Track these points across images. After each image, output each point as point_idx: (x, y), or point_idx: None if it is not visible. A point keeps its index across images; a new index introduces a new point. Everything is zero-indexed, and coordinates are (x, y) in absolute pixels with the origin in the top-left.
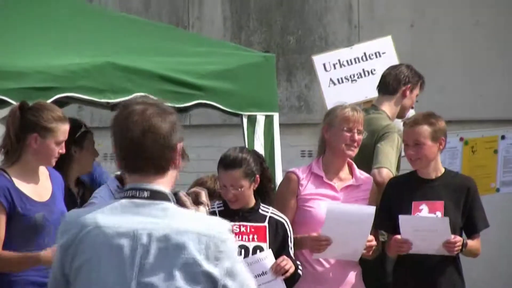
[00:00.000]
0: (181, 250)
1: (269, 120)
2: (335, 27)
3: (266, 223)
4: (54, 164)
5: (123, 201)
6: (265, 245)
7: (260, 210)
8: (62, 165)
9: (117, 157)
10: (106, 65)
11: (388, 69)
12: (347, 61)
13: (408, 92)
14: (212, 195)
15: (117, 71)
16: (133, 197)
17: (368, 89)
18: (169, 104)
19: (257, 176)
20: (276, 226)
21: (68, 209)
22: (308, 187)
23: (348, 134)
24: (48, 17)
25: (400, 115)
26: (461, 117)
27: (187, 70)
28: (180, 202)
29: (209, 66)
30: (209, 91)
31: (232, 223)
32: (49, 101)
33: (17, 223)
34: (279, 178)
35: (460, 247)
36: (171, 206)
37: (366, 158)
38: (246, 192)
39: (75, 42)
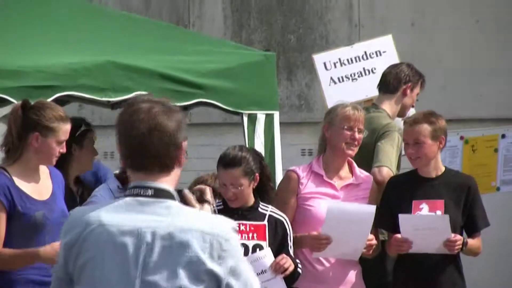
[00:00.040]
0: (185, 248)
1: (269, 119)
2: (335, 26)
3: (265, 222)
4: (54, 163)
5: (127, 199)
6: (264, 244)
7: (259, 209)
8: (62, 164)
9: (122, 155)
10: (107, 64)
11: (388, 68)
12: (347, 60)
13: (408, 91)
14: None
15: (117, 69)
16: (137, 195)
17: (368, 88)
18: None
19: (257, 174)
20: (276, 225)
21: (68, 208)
22: (308, 186)
23: (349, 133)
24: (49, 17)
25: (401, 114)
26: (462, 115)
27: (187, 69)
28: (185, 200)
29: (209, 65)
30: (210, 90)
31: None
32: (49, 99)
33: (17, 222)
34: (279, 176)
35: (461, 246)
36: (175, 204)
37: (367, 157)
38: (246, 191)
39: (76, 41)
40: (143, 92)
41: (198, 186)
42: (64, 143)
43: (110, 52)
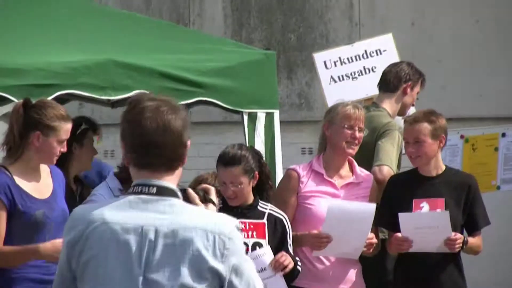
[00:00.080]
0: (188, 246)
1: (269, 118)
2: (336, 24)
3: (265, 220)
4: (55, 162)
5: (130, 197)
6: (264, 242)
7: (258, 207)
8: (62, 163)
9: (127, 153)
10: (107, 62)
11: (388, 66)
12: (347, 59)
13: (408, 90)
14: None
15: (118, 68)
16: (140, 193)
17: (368, 87)
18: None
19: (256, 172)
20: (275, 223)
21: (68, 207)
22: (308, 185)
23: (349, 132)
24: (49, 16)
25: (401, 112)
26: (462, 114)
27: (187, 68)
28: (189, 199)
29: (209, 64)
30: (210, 89)
31: None
32: (50, 98)
33: (18, 221)
34: (279, 175)
35: (461, 245)
36: (178, 202)
37: (367, 156)
38: (246, 189)
39: (76, 40)
40: (143, 91)
41: (203, 185)
42: (65, 142)
43: (110, 51)
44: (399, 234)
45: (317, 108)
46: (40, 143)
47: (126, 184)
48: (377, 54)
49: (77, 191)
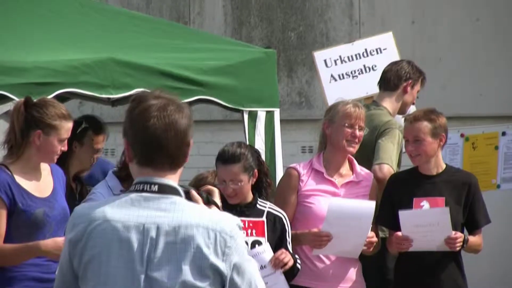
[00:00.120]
0: (189, 244)
1: (270, 116)
2: (336, 23)
3: (264, 218)
4: (55, 161)
5: (132, 195)
6: (263, 240)
7: (257, 205)
8: (63, 161)
9: (131, 150)
10: (107, 61)
11: (389, 65)
12: (348, 57)
13: (409, 88)
14: None
15: (118, 66)
16: (142, 190)
17: (369, 85)
18: None
19: (255, 170)
20: (274, 221)
21: (68, 205)
22: (308, 183)
23: (349, 130)
24: (49, 14)
25: (401, 111)
26: (462, 113)
27: (188, 66)
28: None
29: (210, 62)
30: (210, 87)
31: None
32: (50, 96)
33: (18, 219)
34: (279, 174)
35: (462, 243)
36: (180, 200)
37: (367, 154)
38: (245, 187)
39: (76, 38)
40: (144, 89)
41: (207, 187)
42: (66, 141)
43: (110, 49)
44: (399, 233)
45: (317, 106)
46: (41, 141)
47: (125, 182)
48: (377, 53)
49: (76, 189)
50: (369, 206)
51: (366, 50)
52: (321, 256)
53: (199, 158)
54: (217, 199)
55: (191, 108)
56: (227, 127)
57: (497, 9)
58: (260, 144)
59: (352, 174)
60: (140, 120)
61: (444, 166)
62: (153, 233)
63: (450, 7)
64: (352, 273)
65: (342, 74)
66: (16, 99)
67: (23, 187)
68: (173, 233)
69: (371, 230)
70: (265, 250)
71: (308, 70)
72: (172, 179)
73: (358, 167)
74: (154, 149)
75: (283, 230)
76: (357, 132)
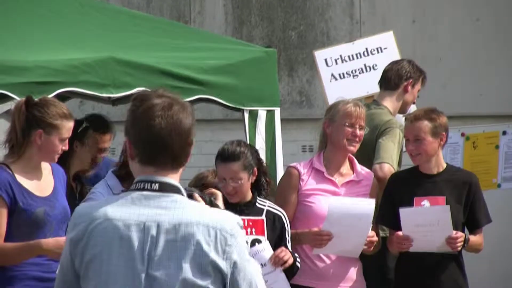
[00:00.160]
0: (189, 241)
1: (270, 115)
2: (336, 22)
3: (263, 217)
4: (56, 160)
5: (133, 193)
6: (263, 238)
7: (257, 204)
8: (64, 160)
9: (133, 149)
10: (108, 60)
11: (389, 64)
12: (348, 57)
13: (409, 88)
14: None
15: (118, 65)
16: (143, 189)
17: (369, 85)
18: None
19: (255, 168)
20: (274, 220)
21: (68, 204)
22: (309, 183)
23: (350, 130)
24: (49, 13)
25: (402, 110)
26: (463, 112)
27: (188, 65)
28: None
29: (210, 61)
30: (211, 86)
31: None
32: (50, 95)
33: (18, 218)
34: (280, 173)
35: (463, 243)
36: (181, 198)
37: (368, 153)
38: (245, 185)
39: (77, 37)
40: (144, 88)
41: (210, 190)
42: (67, 141)
43: (111, 48)
44: (400, 233)
45: (317, 105)
46: (42, 141)
47: (124, 181)
48: (378, 52)
49: (76, 189)
50: (369, 204)
51: (366, 49)
52: (322, 255)
53: (200, 157)
54: (220, 202)
55: (193, 107)
56: (228, 126)
57: (498, 9)
58: (260, 143)
59: (353, 173)
60: (144, 119)
61: (444, 165)
62: (153, 231)
63: (450, 6)
64: (353, 272)
65: (343, 73)
66: (17, 98)
67: (24, 186)
68: (173, 231)
69: (372, 230)
70: (265, 248)
71: (308, 69)
72: (173, 178)
73: (359, 167)
74: (157, 148)
75: (283, 229)
76: (358, 132)
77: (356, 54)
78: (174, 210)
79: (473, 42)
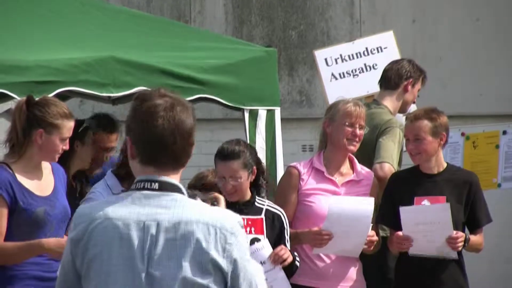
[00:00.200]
0: (189, 240)
1: (270, 115)
2: (337, 22)
3: (262, 216)
4: (57, 160)
5: (133, 193)
6: (262, 238)
7: (256, 203)
8: (64, 160)
9: (134, 148)
10: (108, 59)
11: (389, 64)
12: (348, 56)
13: (409, 87)
14: (212, 189)
15: (118, 65)
16: (143, 188)
17: (369, 84)
18: None
19: (254, 167)
20: (273, 219)
21: (69, 203)
22: (309, 182)
23: (350, 129)
24: (49, 13)
25: (402, 110)
26: (463, 112)
27: (188, 65)
28: None
29: (210, 61)
30: (211, 86)
31: None
32: (50, 95)
33: (19, 218)
34: (280, 172)
35: (463, 243)
36: (181, 197)
37: (368, 153)
38: (245, 184)
39: (77, 37)
40: (144, 88)
41: (214, 194)
42: (68, 140)
43: (111, 48)
44: (400, 233)
45: (318, 105)
46: (43, 140)
47: (124, 181)
48: (378, 52)
49: (76, 188)
50: (368, 204)
51: (366, 49)
52: (322, 255)
53: (199, 156)
54: (222, 206)
55: (194, 107)
56: (228, 126)
57: (498, 9)
58: (260, 143)
59: (353, 173)
60: (146, 119)
61: (445, 165)
62: (153, 230)
63: (450, 6)
64: (353, 272)
65: (343, 73)
66: (17, 97)
67: (25, 186)
68: (173, 230)
69: (372, 229)
70: (264, 246)
71: (309, 69)
72: (174, 178)
73: (359, 166)
74: (159, 149)
75: (282, 228)
76: (358, 131)
77: (356, 54)
78: (174, 208)
79: (473, 42)
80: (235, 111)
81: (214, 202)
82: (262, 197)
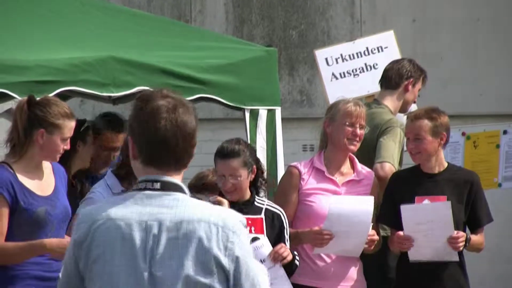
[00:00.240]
0: (191, 239)
1: (271, 114)
2: (337, 21)
3: (262, 215)
4: (58, 160)
5: (134, 193)
6: (262, 237)
7: (255, 203)
8: (65, 160)
9: (136, 149)
10: (108, 59)
11: (390, 63)
12: (349, 56)
13: (410, 87)
14: (213, 189)
15: (119, 65)
16: (144, 189)
17: (370, 84)
18: None
19: (254, 166)
20: (273, 218)
21: (70, 203)
22: (309, 182)
23: (350, 129)
24: (50, 13)
25: (403, 109)
26: (463, 111)
27: (189, 64)
28: None
29: (211, 60)
30: (211, 85)
31: None
32: (51, 95)
33: (20, 218)
34: (281, 172)
35: (464, 243)
36: (183, 196)
37: (368, 153)
38: (244, 182)
39: (77, 36)
40: (145, 88)
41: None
42: (69, 140)
43: (111, 47)
44: (401, 233)
45: (318, 105)
46: (44, 140)
47: (124, 181)
48: (378, 51)
49: (77, 188)
50: (368, 203)
51: (367, 48)
52: (322, 255)
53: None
54: None
55: (195, 107)
56: (228, 126)
57: (498, 9)
58: (261, 143)
59: (353, 172)
60: (148, 120)
61: (446, 165)
62: (155, 230)
63: (451, 6)
64: (353, 272)
65: (343, 73)
66: (17, 97)
67: (25, 186)
68: (175, 229)
69: (372, 228)
70: (264, 244)
71: (309, 69)
72: (176, 179)
73: (359, 166)
74: (161, 150)
75: (282, 227)
76: (358, 131)
77: (357, 53)
78: (176, 208)
79: (473, 42)
80: (236, 111)
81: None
82: (261, 197)
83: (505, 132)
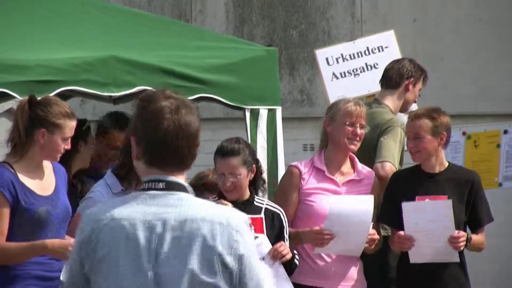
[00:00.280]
0: (195, 238)
1: (271, 114)
2: (338, 21)
3: (262, 215)
4: (58, 159)
5: (138, 193)
6: (261, 236)
7: (255, 202)
8: (66, 160)
9: (139, 149)
10: (109, 59)
11: (390, 63)
12: (349, 55)
13: (410, 86)
14: (213, 188)
15: (119, 64)
16: (149, 189)
17: (370, 83)
18: None
19: (254, 166)
20: (272, 217)
21: (70, 203)
22: (310, 182)
23: (351, 129)
24: (50, 12)
25: (403, 109)
26: (464, 111)
27: (189, 64)
28: None
29: (211, 60)
30: (212, 85)
31: None
32: (51, 94)
33: (21, 217)
34: (281, 172)
35: (465, 242)
36: (187, 196)
37: (369, 152)
38: (244, 181)
39: (78, 36)
40: (145, 87)
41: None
42: (69, 140)
43: (112, 47)
44: (402, 232)
45: (319, 104)
46: (45, 140)
47: (124, 181)
48: (379, 51)
49: (77, 187)
50: (368, 202)
51: (368, 48)
52: (323, 254)
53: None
54: None
55: (198, 107)
56: (229, 125)
57: (499, 9)
58: (262, 142)
59: (354, 172)
60: (152, 121)
61: (446, 164)
62: (159, 229)
63: (451, 6)
64: (354, 271)
65: (344, 72)
66: (18, 97)
67: (26, 186)
68: (179, 228)
69: (372, 228)
70: (263, 242)
71: (309, 68)
72: (178, 177)
73: (360, 165)
74: (164, 151)
75: (281, 227)
76: (358, 130)
77: (357, 53)
78: (181, 207)
79: (474, 42)
80: (236, 111)
81: None
82: (260, 197)
83: (505, 131)
